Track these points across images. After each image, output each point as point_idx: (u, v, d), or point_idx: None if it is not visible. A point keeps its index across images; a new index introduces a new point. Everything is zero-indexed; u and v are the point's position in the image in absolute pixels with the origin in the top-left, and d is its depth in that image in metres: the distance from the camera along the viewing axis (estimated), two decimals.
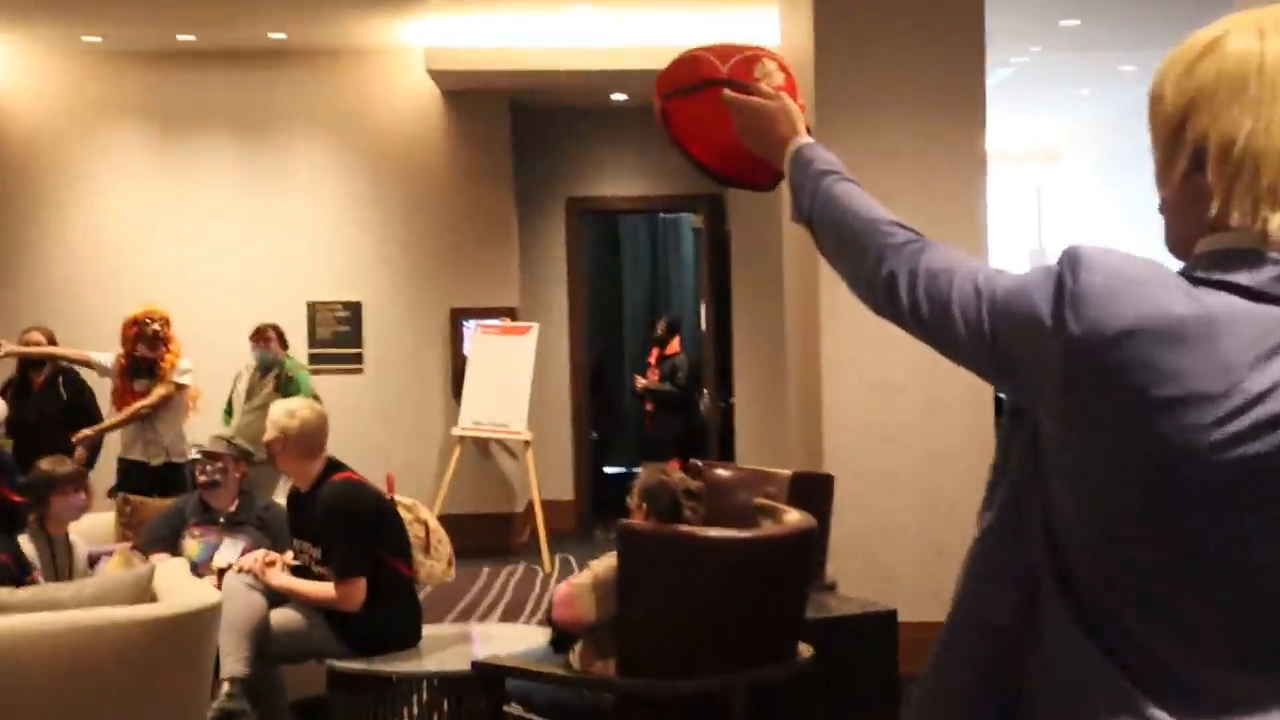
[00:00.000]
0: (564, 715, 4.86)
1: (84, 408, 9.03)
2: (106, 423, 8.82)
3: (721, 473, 6.97)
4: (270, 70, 11.84)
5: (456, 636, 6.09)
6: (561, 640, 5.04)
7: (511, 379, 10.76)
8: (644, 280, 16.32)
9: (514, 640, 5.85)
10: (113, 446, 9.02)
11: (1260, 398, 1.51)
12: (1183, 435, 1.51)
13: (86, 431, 8.62)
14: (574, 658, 4.87)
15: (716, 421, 12.83)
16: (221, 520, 6.44)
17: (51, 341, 9.03)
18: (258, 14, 10.74)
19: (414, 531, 6.02)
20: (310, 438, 5.86)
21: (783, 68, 2.54)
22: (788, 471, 6.75)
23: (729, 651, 4.62)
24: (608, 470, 14.15)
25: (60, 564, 5.62)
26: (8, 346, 8.78)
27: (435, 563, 6.05)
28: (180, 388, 8.76)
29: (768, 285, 10.18)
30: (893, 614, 5.84)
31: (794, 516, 5.10)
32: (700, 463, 7.13)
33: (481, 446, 11.49)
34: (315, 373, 11.36)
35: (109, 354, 8.83)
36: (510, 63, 11.13)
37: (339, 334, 11.89)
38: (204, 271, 11.72)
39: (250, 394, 9.94)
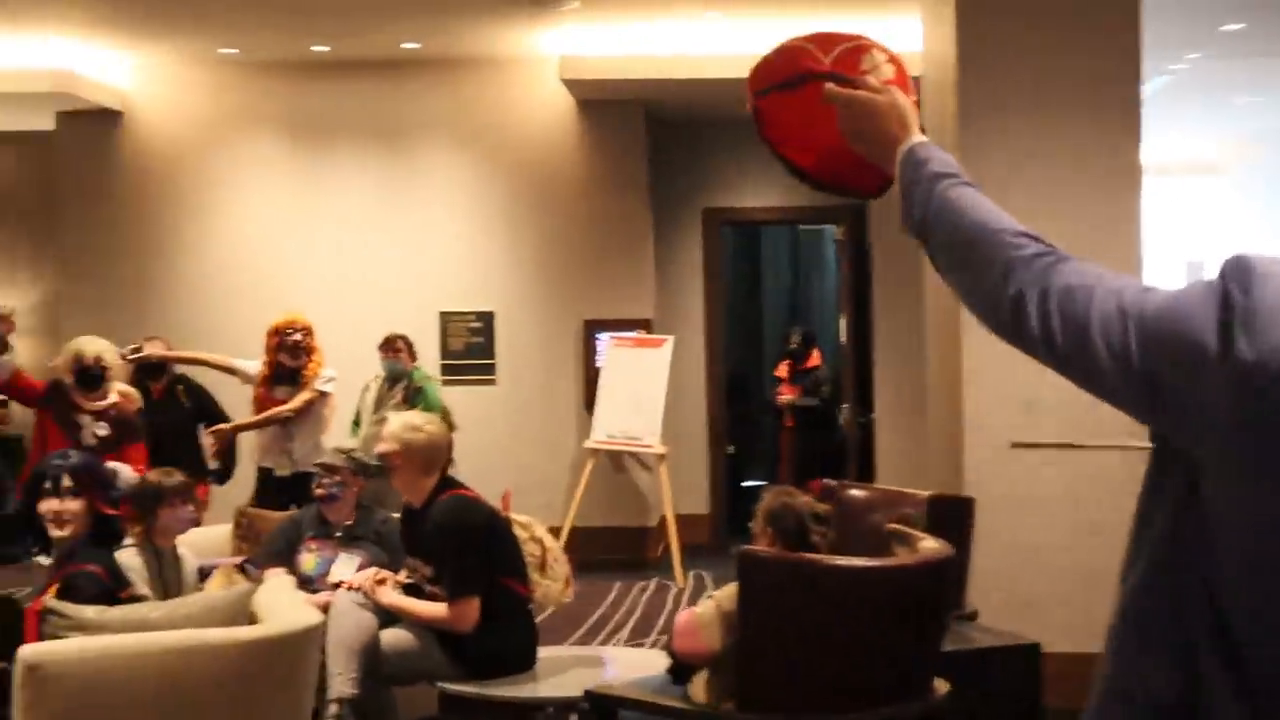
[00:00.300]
0: None
1: (209, 412, 9.02)
2: (243, 421, 8.80)
3: (855, 493, 6.70)
4: (404, 80, 11.82)
5: (574, 660, 5.88)
6: (681, 671, 4.82)
7: (645, 391, 10.57)
8: (783, 292, 16.00)
9: (634, 666, 5.63)
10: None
11: None
12: None
13: (223, 426, 8.66)
14: (693, 690, 4.67)
15: (856, 437, 12.50)
16: (338, 534, 6.32)
17: (167, 349, 9.01)
18: (391, 24, 10.71)
19: (529, 550, 5.84)
20: (432, 453, 5.72)
21: (893, 60, 2.33)
22: (925, 493, 6.48)
23: (857, 688, 4.38)
24: (745, 484, 13.86)
25: (168, 578, 5.53)
26: (152, 349, 8.77)
27: (552, 583, 5.86)
28: (322, 395, 8.70)
29: (909, 298, 9.86)
30: (1035, 646, 5.53)
31: (930, 545, 4.84)
32: (834, 482, 6.87)
33: (615, 459, 11.31)
34: (448, 384, 11.31)
35: (254, 362, 8.80)
36: (645, 71, 10.93)
37: (471, 345, 11.80)
38: (337, 281, 11.73)
39: (378, 405, 9.82)
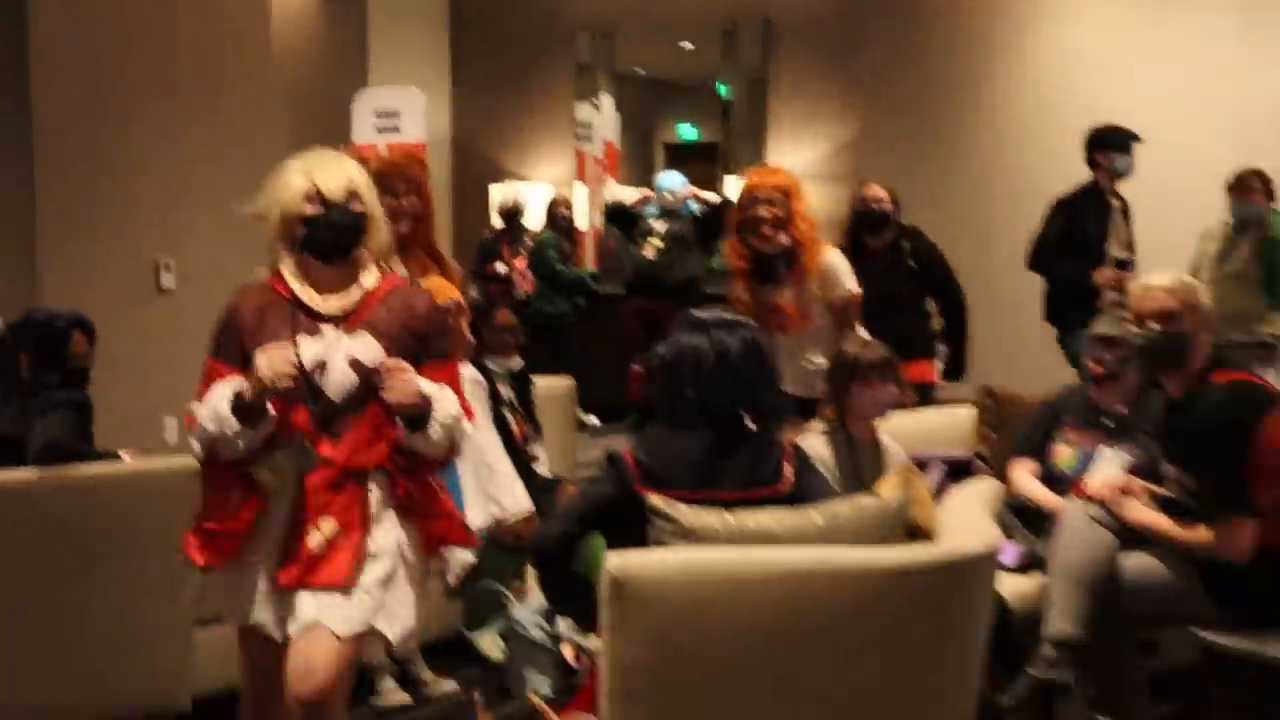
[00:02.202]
0: None
1: (936, 280, 7.73)
2: None
3: None
4: None
5: None
6: None
7: None
8: None
9: None
10: None
11: None
12: None
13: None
14: None
15: None
16: (1107, 424, 5.31)
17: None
18: None
19: None
20: (1210, 323, 4.66)
21: None
22: None
23: None
24: None
25: (865, 473, 4.81)
26: None
27: None
28: None
29: None
30: None
31: None
32: None
33: None
34: None
35: None
36: None
37: None
38: (1189, 101, 10.52)
39: (1222, 257, 8.82)
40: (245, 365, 3.53)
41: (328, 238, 3.59)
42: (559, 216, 11.86)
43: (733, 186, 12.07)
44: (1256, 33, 10.37)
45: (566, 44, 13.87)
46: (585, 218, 13.11)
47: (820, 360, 5.70)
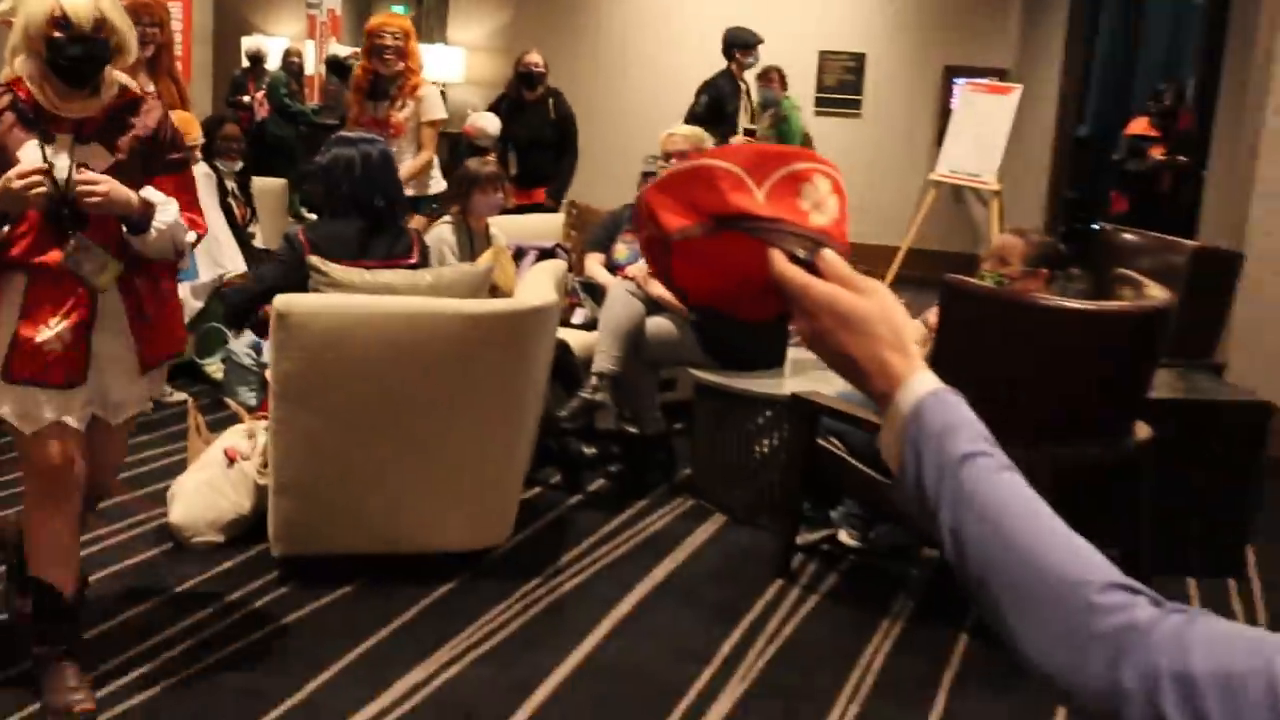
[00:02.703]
0: (873, 462, 3.86)
1: (568, 131, 7.58)
2: None
3: (1127, 238, 5.54)
4: None
5: (818, 366, 5.11)
6: None
7: (989, 133, 9.23)
8: (1158, 61, 13.55)
9: None
10: None
11: None
12: None
13: None
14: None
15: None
16: None
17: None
18: None
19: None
20: None
21: (837, 189, 1.24)
22: (1193, 243, 5.29)
23: (1043, 424, 3.47)
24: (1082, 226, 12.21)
25: (479, 252, 5.06)
26: None
27: None
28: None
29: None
30: (1266, 406, 4.36)
31: (1153, 292, 3.81)
32: (1108, 226, 5.74)
33: (955, 192, 10.15)
34: (820, 115, 10.46)
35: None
36: None
37: (844, 82, 10.76)
38: (724, 19, 10.61)
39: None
40: None
41: (69, 64, 2.83)
42: (291, 63, 11.60)
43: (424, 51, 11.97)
44: None
45: None
46: (312, 66, 12.89)
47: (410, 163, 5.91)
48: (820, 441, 4.02)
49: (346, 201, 4.14)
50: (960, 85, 10.06)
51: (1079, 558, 0.88)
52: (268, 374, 5.51)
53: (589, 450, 4.98)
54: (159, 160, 3.01)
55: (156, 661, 3.25)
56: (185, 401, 5.23)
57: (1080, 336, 3.53)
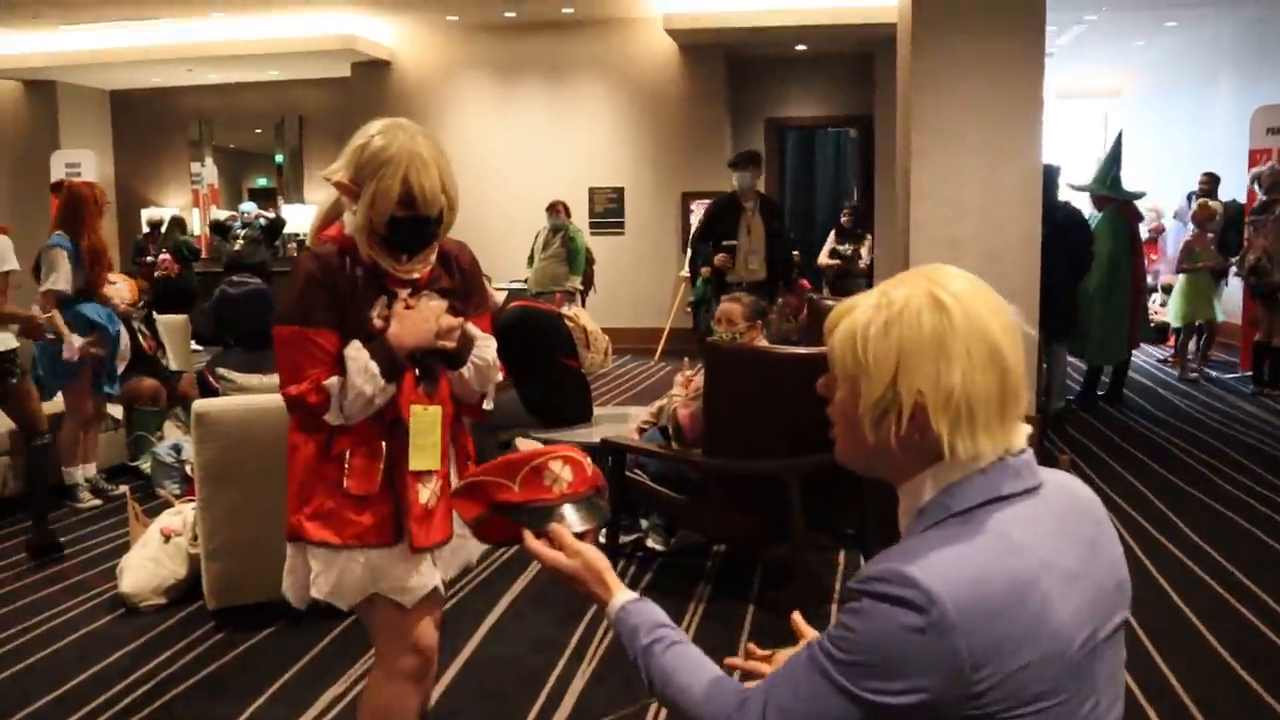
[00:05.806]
0: (671, 484, 3.89)
1: None
2: None
3: (827, 302, 5.78)
4: (565, 37, 10.78)
5: (618, 416, 5.14)
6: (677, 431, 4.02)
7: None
8: (829, 180, 14.22)
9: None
10: None
11: None
12: None
13: None
14: (676, 442, 3.91)
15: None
16: None
17: None
18: None
19: (575, 335, 4.97)
20: None
21: (569, 461, 1.54)
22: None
23: (788, 442, 3.55)
24: None
25: None
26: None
27: (594, 355, 5.00)
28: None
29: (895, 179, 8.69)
30: None
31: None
32: (810, 290, 5.95)
33: None
34: (593, 233, 10.59)
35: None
36: (725, 23, 9.79)
37: (609, 208, 10.92)
38: (525, 170, 10.90)
39: (545, 247, 9.25)
40: (340, 329, 1.95)
41: (411, 242, 2.01)
42: (179, 226, 11.19)
43: (286, 211, 11.70)
44: (556, 133, 10.90)
45: (183, 127, 12.95)
46: (198, 228, 12.45)
47: None
48: (628, 473, 4.02)
49: (236, 329, 3.97)
50: (695, 205, 10.31)
51: (719, 688, 1.16)
52: (187, 468, 5.30)
53: None
54: (475, 298, 2.14)
55: (120, 705, 3.00)
56: (124, 494, 4.89)
57: (793, 374, 3.62)
